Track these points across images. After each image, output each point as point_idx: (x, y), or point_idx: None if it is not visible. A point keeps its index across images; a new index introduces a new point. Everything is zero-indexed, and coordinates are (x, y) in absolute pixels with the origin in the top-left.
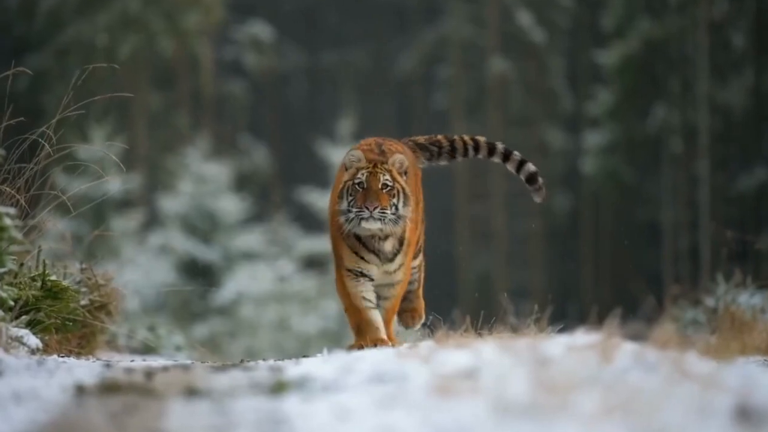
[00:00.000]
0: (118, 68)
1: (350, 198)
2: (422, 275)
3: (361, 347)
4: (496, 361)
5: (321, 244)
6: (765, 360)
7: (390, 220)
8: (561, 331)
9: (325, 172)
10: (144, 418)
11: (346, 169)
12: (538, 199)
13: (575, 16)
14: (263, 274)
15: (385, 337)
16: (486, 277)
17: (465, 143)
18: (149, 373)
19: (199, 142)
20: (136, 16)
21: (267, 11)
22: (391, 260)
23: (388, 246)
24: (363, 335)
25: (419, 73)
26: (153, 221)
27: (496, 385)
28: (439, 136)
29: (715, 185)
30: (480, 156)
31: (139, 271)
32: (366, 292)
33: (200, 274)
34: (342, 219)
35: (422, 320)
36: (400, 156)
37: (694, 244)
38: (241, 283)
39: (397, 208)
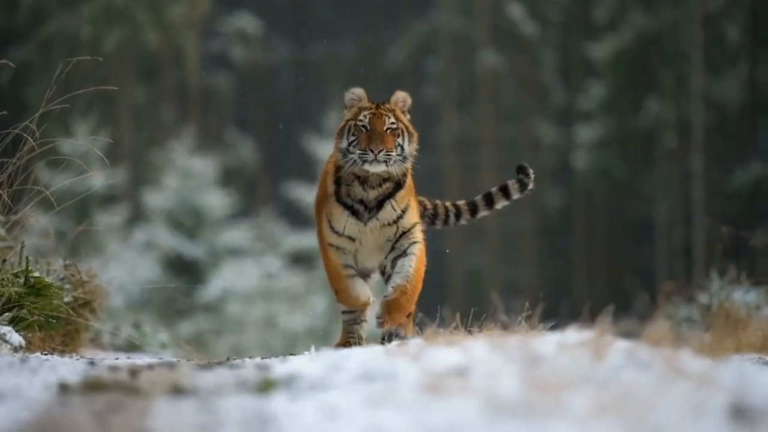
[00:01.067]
0: (102, 61)
1: (352, 138)
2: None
3: (344, 340)
4: (486, 359)
5: (309, 240)
6: (760, 358)
7: (396, 161)
8: (553, 328)
9: (313, 167)
10: (129, 417)
11: (346, 108)
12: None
13: (567, 9)
14: (250, 270)
15: (366, 299)
16: (477, 273)
17: (447, 210)
18: (134, 371)
19: (185, 136)
20: (121, 9)
21: (254, 3)
22: (380, 206)
23: (380, 192)
24: (342, 303)
25: (409, 67)
26: (138, 217)
27: (487, 384)
28: (423, 199)
29: (710, 180)
30: (463, 221)
31: (124, 268)
32: (347, 260)
33: (186, 271)
34: (341, 157)
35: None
36: (402, 93)
37: (687, 241)
38: (228, 279)
39: (402, 149)
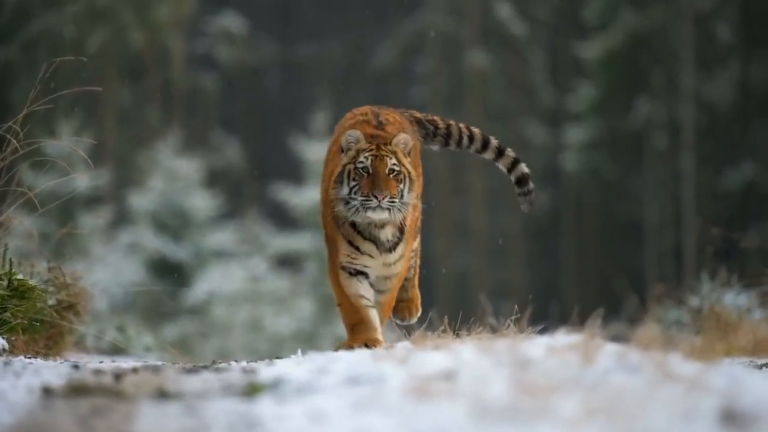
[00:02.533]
0: (86, 61)
1: (353, 184)
2: (419, 261)
3: (351, 348)
4: (474, 362)
5: (295, 242)
6: (751, 361)
7: (397, 208)
8: (541, 331)
9: (299, 168)
10: (113, 421)
11: (343, 151)
12: (524, 208)
13: (557, 9)
14: (235, 273)
15: (380, 338)
16: (465, 275)
17: (461, 131)
18: (118, 375)
19: (170, 137)
20: (105, 8)
21: (240, 3)
22: (391, 250)
23: (388, 234)
24: (356, 335)
25: (397, 67)
26: (122, 218)
27: (475, 387)
28: (436, 117)
29: (701, 182)
30: (472, 149)
31: (108, 270)
32: (364, 289)
33: (171, 273)
34: (341, 207)
35: (419, 312)
36: (404, 136)
37: (677, 242)
38: (213, 282)
39: (402, 195)
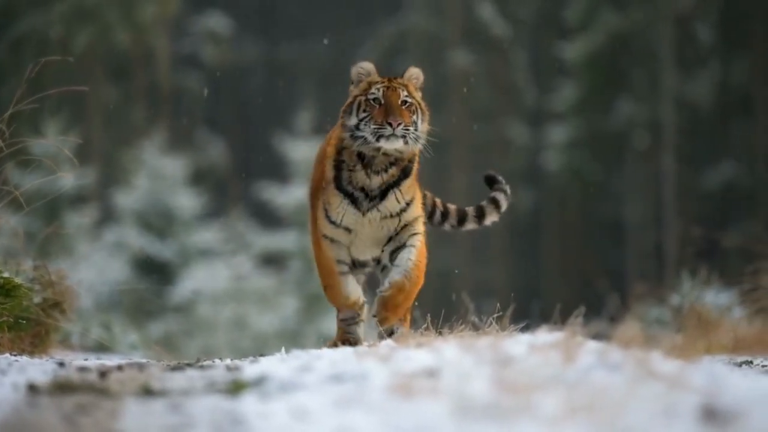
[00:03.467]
0: (72, 61)
1: (363, 115)
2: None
3: (335, 346)
4: (457, 360)
5: (280, 240)
6: (731, 359)
7: (412, 137)
8: (523, 330)
9: (284, 167)
10: (98, 418)
11: (353, 83)
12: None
13: (538, 9)
14: (220, 271)
15: (357, 300)
16: (447, 274)
17: (435, 205)
18: (103, 373)
19: (155, 136)
20: (92, 8)
21: (225, 3)
22: (384, 195)
23: (386, 178)
24: (330, 300)
25: (380, 66)
26: (108, 217)
27: (458, 385)
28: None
29: (682, 181)
30: (448, 225)
31: (94, 269)
32: (342, 254)
33: (156, 272)
34: (348, 136)
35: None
36: (415, 69)
37: (659, 242)
38: (198, 280)
39: (417, 127)
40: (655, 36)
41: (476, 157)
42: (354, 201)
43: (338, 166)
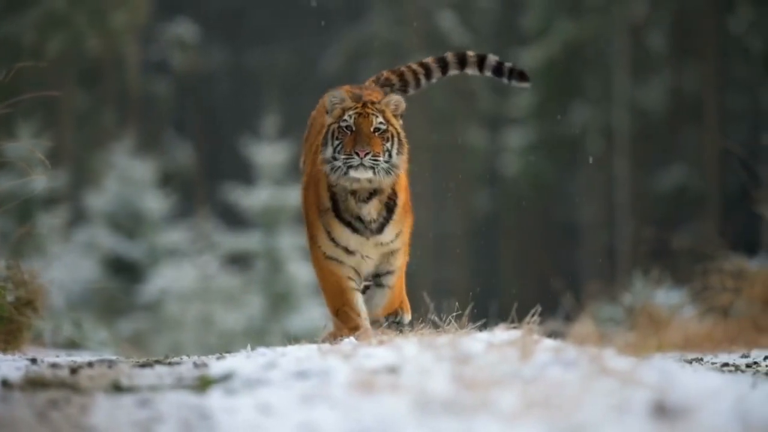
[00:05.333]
0: (45, 66)
1: (336, 142)
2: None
3: (335, 338)
4: (417, 357)
5: (245, 241)
6: (681, 356)
7: (382, 168)
8: (482, 328)
9: (249, 170)
10: (69, 413)
11: (327, 112)
12: (524, 84)
13: (497, 18)
14: (187, 271)
15: (366, 323)
16: (408, 274)
17: (415, 72)
18: (74, 369)
19: (125, 139)
20: (63, 15)
21: (193, 10)
22: (380, 231)
23: (372, 212)
24: (341, 324)
25: (344, 72)
26: (79, 218)
27: (418, 382)
28: (389, 75)
29: (635, 184)
30: (434, 79)
31: (65, 268)
32: (345, 271)
33: (125, 271)
34: (327, 168)
35: (408, 314)
36: (396, 96)
37: (612, 243)
38: (166, 279)
39: (390, 155)
40: (609, 44)
41: (435, 161)
42: (355, 229)
43: (333, 197)
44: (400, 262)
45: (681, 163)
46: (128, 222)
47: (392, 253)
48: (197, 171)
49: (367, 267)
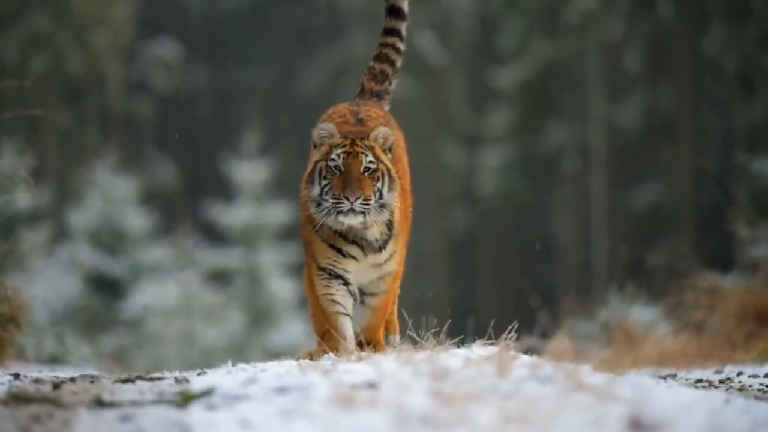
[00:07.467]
0: (29, 86)
1: (324, 182)
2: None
3: (311, 357)
4: (395, 373)
5: (226, 258)
6: (656, 372)
7: (374, 209)
8: (459, 344)
9: (230, 188)
10: (52, 428)
11: (315, 147)
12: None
13: (474, 38)
14: (169, 287)
15: (350, 347)
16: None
17: (388, 56)
18: (57, 384)
19: (107, 158)
20: (47, 35)
21: (175, 30)
22: (380, 249)
23: (375, 233)
24: (327, 345)
25: (324, 91)
26: (61, 235)
27: (396, 397)
28: (369, 82)
29: (610, 202)
30: (401, 45)
31: (48, 284)
32: (338, 294)
33: (107, 287)
34: (313, 209)
35: (396, 333)
36: (384, 129)
37: (588, 260)
38: (148, 296)
39: (381, 195)
40: (585, 64)
41: (413, 179)
42: (351, 255)
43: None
44: (388, 285)
45: (656, 181)
46: (110, 239)
47: (384, 277)
48: (179, 189)
49: (367, 285)
